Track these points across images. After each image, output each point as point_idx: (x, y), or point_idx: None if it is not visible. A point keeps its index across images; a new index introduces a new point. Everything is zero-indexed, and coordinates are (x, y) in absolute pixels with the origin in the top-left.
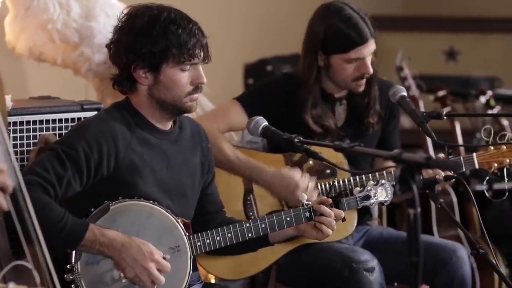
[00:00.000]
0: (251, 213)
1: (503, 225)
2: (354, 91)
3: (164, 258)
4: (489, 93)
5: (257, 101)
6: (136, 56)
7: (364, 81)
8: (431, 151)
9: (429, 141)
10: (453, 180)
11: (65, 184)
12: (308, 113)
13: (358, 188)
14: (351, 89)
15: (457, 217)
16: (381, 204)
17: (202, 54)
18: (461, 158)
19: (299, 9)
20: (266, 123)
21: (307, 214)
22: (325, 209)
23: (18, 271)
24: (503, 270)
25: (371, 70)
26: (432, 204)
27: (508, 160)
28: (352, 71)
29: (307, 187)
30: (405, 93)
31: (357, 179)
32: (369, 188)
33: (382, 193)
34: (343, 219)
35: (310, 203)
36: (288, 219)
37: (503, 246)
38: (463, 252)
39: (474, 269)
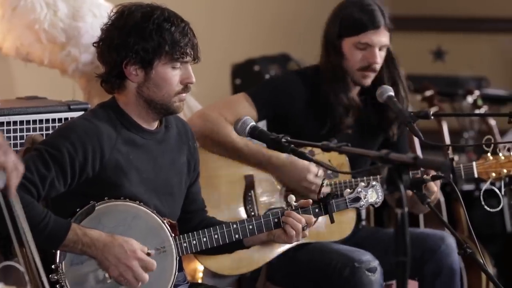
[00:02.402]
0: (251, 210)
1: (491, 225)
2: (359, 83)
3: (148, 254)
4: (477, 93)
5: (268, 96)
6: (128, 52)
7: (371, 74)
8: (419, 151)
9: (416, 141)
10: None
11: (48, 185)
12: (340, 105)
13: (348, 190)
14: (357, 81)
15: (445, 217)
16: (371, 205)
17: (192, 53)
18: (461, 167)
19: (287, 9)
20: (253, 122)
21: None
22: (295, 215)
23: (7, 271)
24: (491, 269)
25: (377, 60)
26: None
27: (505, 171)
28: (360, 58)
29: (317, 172)
30: (392, 93)
31: (351, 181)
32: (359, 190)
33: (372, 195)
34: (332, 221)
35: (297, 204)
36: (276, 220)
37: (491, 246)
38: (451, 240)
39: (462, 269)
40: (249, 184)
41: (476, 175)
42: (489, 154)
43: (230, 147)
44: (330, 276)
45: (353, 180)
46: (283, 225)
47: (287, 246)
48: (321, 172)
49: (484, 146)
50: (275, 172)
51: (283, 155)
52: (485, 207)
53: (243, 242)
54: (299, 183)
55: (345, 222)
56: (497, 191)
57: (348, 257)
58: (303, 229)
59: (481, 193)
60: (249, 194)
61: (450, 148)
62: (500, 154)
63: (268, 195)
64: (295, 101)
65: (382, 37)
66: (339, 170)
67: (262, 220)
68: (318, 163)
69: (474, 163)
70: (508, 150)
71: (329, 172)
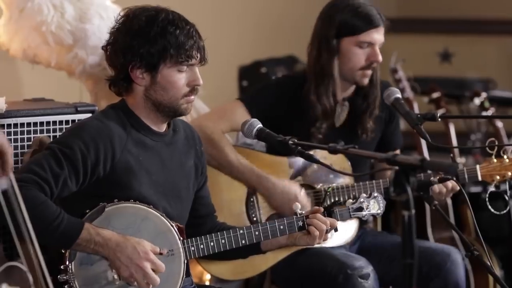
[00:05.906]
0: (253, 215)
1: (498, 227)
2: (359, 82)
3: (160, 253)
4: (484, 95)
5: (262, 102)
6: (133, 56)
7: (370, 72)
8: (426, 153)
9: (423, 143)
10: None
11: (61, 183)
12: (319, 106)
13: (351, 200)
14: (356, 81)
15: (452, 219)
16: (373, 216)
17: (199, 55)
18: (464, 170)
19: (293, 11)
20: (260, 125)
21: (300, 223)
22: (320, 217)
23: (11, 272)
24: (498, 272)
25: (380, 58)
26: (427, 206)
27: (510, 174)
28: (362, 57)
29: (304, 204)
30: (399, 95)
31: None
32: (361, 200)
33: (374, 206)
34: (336, 229)
35: (303, 212)
36: (281, 227)
37: (498, 248)
38: (457, 256)
39: (469, 271)
40: (252, 189)
41: (479, 178)
42: (493, 157)
43: (223, 161)
44: (326, 282)
45: (355, 184)
46: (307, 227)
47: (288, 252)
48: (307, 203)
49: (487, 148)
50: (265, 193)
51: (273, 179)
52: (491, 210)
53: (261, 247)
54: (284, 209)
55: (346, 230)
56: (505, 194)
57: (342, 264)
58: (327, 232)
59: (487, 196)
60: (251, 199)
61: (456, 150)
62: (505, 157)
63: None
64: (287, 106)
65: (381, 35)
66: (343, 171)
67: (268, 226)
68: (324, 165)
69: (477, 166)
70: None
71: (331, 176)
